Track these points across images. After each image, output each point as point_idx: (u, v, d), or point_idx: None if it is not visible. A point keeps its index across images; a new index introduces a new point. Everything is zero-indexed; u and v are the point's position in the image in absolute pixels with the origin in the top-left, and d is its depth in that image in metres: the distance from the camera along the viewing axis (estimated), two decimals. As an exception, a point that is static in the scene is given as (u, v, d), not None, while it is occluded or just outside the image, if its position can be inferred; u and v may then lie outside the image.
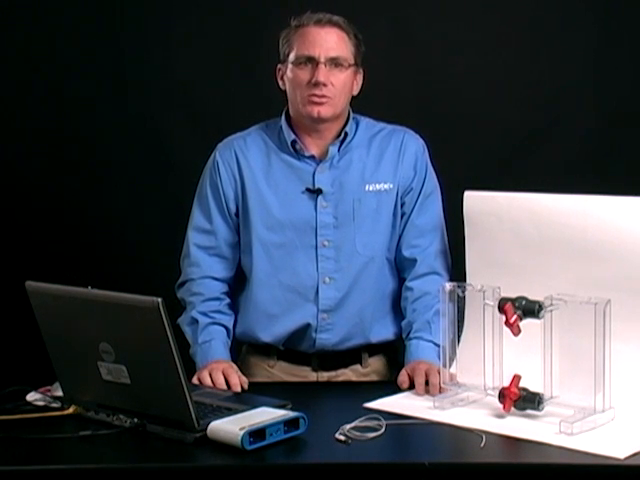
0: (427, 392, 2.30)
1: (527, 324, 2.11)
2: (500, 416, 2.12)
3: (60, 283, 2.11)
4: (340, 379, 2.58)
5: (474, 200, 2.40)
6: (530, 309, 2.10)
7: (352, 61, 2.51)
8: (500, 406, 2.12)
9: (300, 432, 1.98)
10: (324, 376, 2.57)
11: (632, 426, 2.04)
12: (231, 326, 2.57)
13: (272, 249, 2.53)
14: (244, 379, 2.35)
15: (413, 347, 2.48)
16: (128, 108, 3.61)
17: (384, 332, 2.58)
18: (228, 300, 2.59)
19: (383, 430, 2.01)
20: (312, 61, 2.46)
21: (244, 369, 2.61)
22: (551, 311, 2.09)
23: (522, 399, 2.10)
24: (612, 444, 1.93)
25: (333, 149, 2.53)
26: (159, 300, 1.92)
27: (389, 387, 2.34)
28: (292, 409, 2.05)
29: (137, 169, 3.64)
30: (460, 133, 3.60)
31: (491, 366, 2.20)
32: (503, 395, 2.12)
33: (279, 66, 2.56)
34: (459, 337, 2.28)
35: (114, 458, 1.96)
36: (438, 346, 2.38)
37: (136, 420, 2.03)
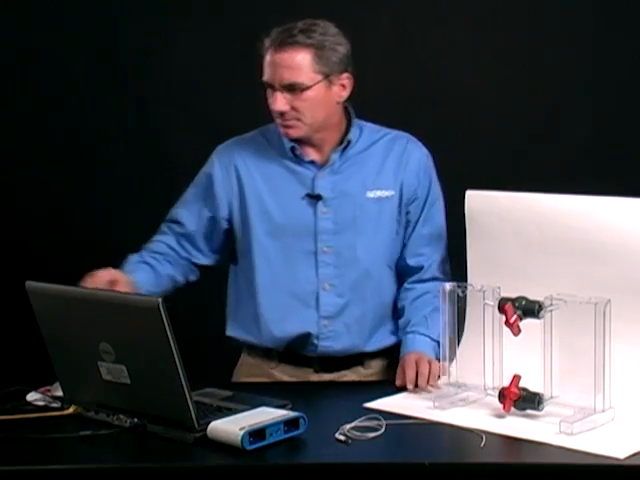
0: (417, 387, 2.30)
1: (527, 324, 2.10)
2: (500, 416, 2.12)
3: (60, 283, 2.11)
4: (341, 380, 2.57)
5: (476, 199, 2.40)
6: (530, 309, 2.10)
7: (314, 80, 2.41)
8: (500, 406, 2.12)
9: (300, 432, 1.98)
10: (325, 378, 2.56)
11: (632, 426, 2.04)
12: (160, 269, 2.55)
13: (272, 254, 2.51)
14: (119, 279, 2.35)
15: (409, 340, 2.48)
16: (128, 108, 3.61)
17: (386, 339, 2.57)
18: (168, 261, 2.57)
19: (383, 430, 2.01)
20: (273, 87, 2.43)
21: (244, 369, 2.61)
22: (551, 311, 2.09)
23: (522, 399, 2.10)
24: (612, 444, 1.93)
25: (335, 155, 2.52)
26: (159, 300, 1.92)
27: (389, 387, 2.34)
28: (292, 409, 2.05)
29: (137, 169, 3.64)
30: (460, 133, 3.60)
31: (491, 366, 2.21)
32: (503, 395, 2.12)
33: None
34: (459, 337, 2.28)
35: (114, 458, 1.96)
36: (435, 342, 2.41)
37: (136, 420, 2.03)
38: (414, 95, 3.60)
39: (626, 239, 2.17)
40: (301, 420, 1.98)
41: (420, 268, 2.56)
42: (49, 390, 2.25)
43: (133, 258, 2.55)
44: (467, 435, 2.02)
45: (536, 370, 2.11)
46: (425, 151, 2.62)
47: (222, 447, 1.92)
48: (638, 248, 2.16)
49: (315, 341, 2.52)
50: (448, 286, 2.25)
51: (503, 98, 3.61)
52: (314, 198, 2.50)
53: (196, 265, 2.61)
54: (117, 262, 3.73)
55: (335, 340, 2.52)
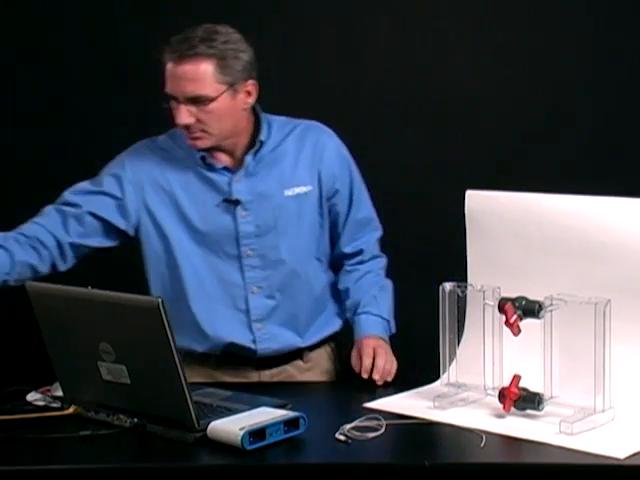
0: (372, 376, 2.35)
1: (527, 324, 2.10)
2: (500, 416, 2.12)
3: (60, 283, 2.11)
4: (282, 376, 2.56)
5: (476, 200, 2.40)
6: (530, 309, 2.10)
7: (218, 91, 2.37)
8: (500, 406, 2.12)
9: (300, 432, 1.98)
10: (266, 374, 2.55)
11: (632, 426, 2.04)
12: (18, 258, 2.40)
13: (197, 262, 2.49)
14: None
15: (362, 322, 2.52)
16: (128, 108, 3.61)
17: (323, 330, 2.59)
18: (38, 249, 2.44)
19: (383, 430, 2.01)
20: (176, 99, 2.39)
21: (188, 371, 2.59)
22: (551, 311, 2.09)
23: (522, 399, 2.10)
24: (612, 444, 1.93)
25: (248, 158, 2.48)
26: (159, 300, 1.92)
27: (389, 387, 2.34)
28: (292, 409, 2.04)
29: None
30: (460, 133, 3.60)
31: (491, 366, 2.21)
32: (503, 395, 2.12)
33: None
34: (459, 337, 2.28)
35: (114, 458, 1.96)
36: (386, 320, 2.51)
37: (136, 420, 2.03)
38: (414, 95, 3.60)
39: (626, 239, 2.17)
40: (301, 420, 1.98)
41: (359, 252, 2.60)
42: (49, 390, 2.25)
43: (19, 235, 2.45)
44: (467, 435, 2.02)
45: (536, 370, 2.11)
46: (338, 141, 2.59)
47: (222, 447, 1.92)
48: (638, 248, 2.16)
49: (252, 346, 2.51)
50: (448, 286, 2.25)
51: (503, 98, 3.60)
52: (232, 203, 2.47)
53: (66, 254, 2.49)
54: (116, 262, 3.73)
55: (272, 342, 2.52)
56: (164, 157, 2.52)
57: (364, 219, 2.61)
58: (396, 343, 2.70)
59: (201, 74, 2.36)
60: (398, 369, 2.47)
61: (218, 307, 2.50)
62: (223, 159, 2.49)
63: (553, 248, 2.26)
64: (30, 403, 2.21)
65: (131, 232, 2.52)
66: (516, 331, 2.11)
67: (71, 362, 2.14)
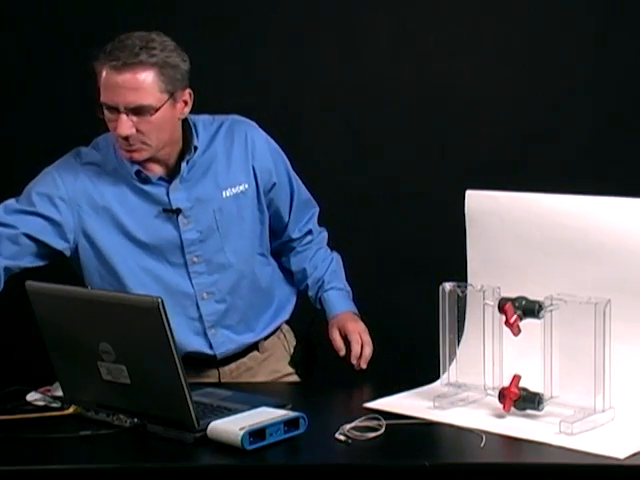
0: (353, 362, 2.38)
1: (527, 324, 2.10)
2: (500, 416, 2.12)
3: (60, 283, 2.11)
4: (242, 370, 2.56)
5: (476, 199, 2.40)
6: (530, 309, 2.10)
7: (161, 101, 2.32)
8: (500, 406, 2.12)
9: (300, 432, 1.98)
10: (225, 370, 2.55)
11: (632, 426, 2.04)
12: None
13: (143, 276, 2.45)
14: None
15: (333, 298, 2.56)
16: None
17: (275, 321, 2.60)
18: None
19: (383, 430, 2.01)
20: (115, 109, 2.32)
21: None
22: (551, 311, 2.08)
23: (522, 399, 2.10)
24: (612, 444, 1.93)
25: (184, 165, 2.43)
26: (159, 300, 1.92)
27: (389, 387, 2.34)
28: (292, 409, 2.04)
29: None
30: (460, 133, 3.60)
31: (491, 366, 2.20)
32: (503, 395, 2.12)
33: None
34: (459, 337, 2.28)
35: (114, 458, 1.96)
36: (350, 292, 2.61)
37: (136, 420, 2.03)
38: (414, 95, 3.60)
39: (626, 239, 2.17)
40: (301, 420, 1.98)
41: (309, 232, 2.64)
42: (49, 390, 2.25)
43: None
44: (467, 435, 2.02)
45: (536, 370, 2.11)
46: (263, 132, 2.55)
47: (222, 447, 1.92)
48: (638, 248, 2.16)
49: (210, 351, 2.50)
50: (448, 286, 2.25)
51: (503, 98, 3.60)
52: (173, 212, 2.43)
53: None
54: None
55: (229, 344, 2.52)
56: (95, 172, 2.44)
57: (305, 202, 2.64)
58: (396, 343, 2.70)
59: (144, 83, 2.29)
60: (398, 369, 2.48)
61: (171, 319, 2.47)
62: (157, 169, 2.43)
63: (553, 248, 2.26)
64: (30, 403, 2.21)
65: (67, 253, 2.44)
66: (516, 331, 2.11)
67: (71, 362, 2.14)
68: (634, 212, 2.18)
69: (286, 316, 2.65)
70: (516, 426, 2.05)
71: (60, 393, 2.19)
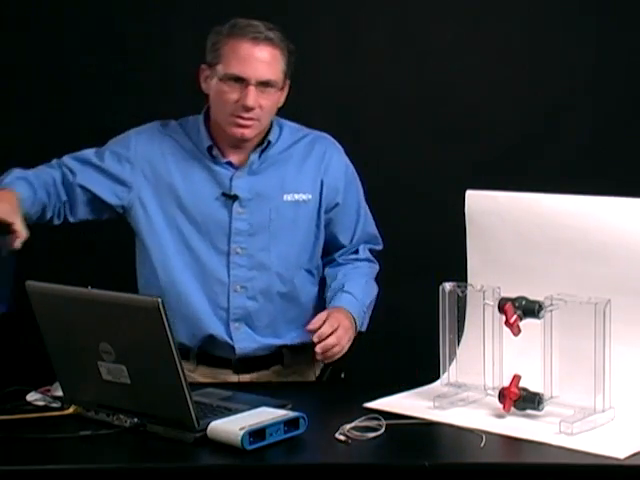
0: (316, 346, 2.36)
1: (527, 324, 2.11)
2: (500, 416, 2.12)
3: (60, 283, 2.11)
4: (262, 381, 2.55)
5: (476, 199, 2.40)
6: (530, 309, 2.10)
7: (282, 81, 2.43)
8: (500, 406, 2.12)
9: (300, 432, 1.98)
10: (246, 378, 2.54)
11: (632, 426, 2.04)
12: (39, 194, 2.42)
13: (186, 252, 2.49)
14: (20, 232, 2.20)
15: (343, 298, 2.51)
16: (128, 108, 3.60)
17: (303, 336, 2.53)
18: (47, 192, 2.46)
19: (383, 430, 2.01)
20: (241, 81, 2.37)
21: None
22: (551, 311, 2.09)
23: (522, 399, 2.10)
24: (612, 444, 1.93)
25: (254, 156, 2.49)
26: (159, 300, 1.92)
27: (389, 387, 2.34)
28: (292, 409, 2.04)
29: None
30: (460, 133, 3.60)
31: (491, 366, 2.21)
32: (503, 395, 2.12)
33: (203, 66, 2.49)
34: (459, 337, 2.28)
35: (114, 458, 1.96)
36: (363, 312, 2.53)
37: (136, 420, 2.03)
38: (414, 95, 3.60)
39: (626, 239, 2.17)
40: (301, 420, 1.98)
41: (355, 252, 2.63)
42: (49, 390, 2.25)
43: (17, 172, 2.45)
44: (467, 435, 2.02)
45: (536, 370, 2.11)
46: (346, 158, 2.60)
47: (222, 447, 1.92)
48: (638, 248, 2.16)
49: (230, 342, 2.50)
50: (448, 286, 2.25)
51: (503, 98, 3.60)
52: (230, 198, 2.47)
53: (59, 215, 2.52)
54: (116, 261, 3.73)
55: (250, 341, 2.51)
56: (170, 145, 2.52)
57: (369, 235, 2.64)
58: (396, 343, 2.70)
59: (275, 59, 2.40)
60: (398, 369, 2.48)
61: (199, 300, 2.49)
62: (229, 154, 2.49)
63: (553, 248, 2.26)
64: (30, 403, 2.21)
65: (120, 210, 2.52)
66: (516, 331, 2.11)
67: (71, 362, 2.14)
68: (634, 212, 2.18)
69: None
70: (516, 426, 2.06)
71: (60, 393, 2.19)
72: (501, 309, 2.13)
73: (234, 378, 2.54)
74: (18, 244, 2.22)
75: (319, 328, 2.37)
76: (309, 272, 2.57)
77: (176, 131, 2.54)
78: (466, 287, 2.26)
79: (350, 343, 2.44)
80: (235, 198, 2.46)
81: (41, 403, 2.20)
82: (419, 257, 3.47)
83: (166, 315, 1.92)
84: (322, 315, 2.41)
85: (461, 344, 2.29)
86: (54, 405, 2.18)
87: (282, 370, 2.58)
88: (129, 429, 2.02)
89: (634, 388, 2.14)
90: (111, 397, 2.08)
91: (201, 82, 2.49)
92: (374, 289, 2.62)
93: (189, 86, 3.60)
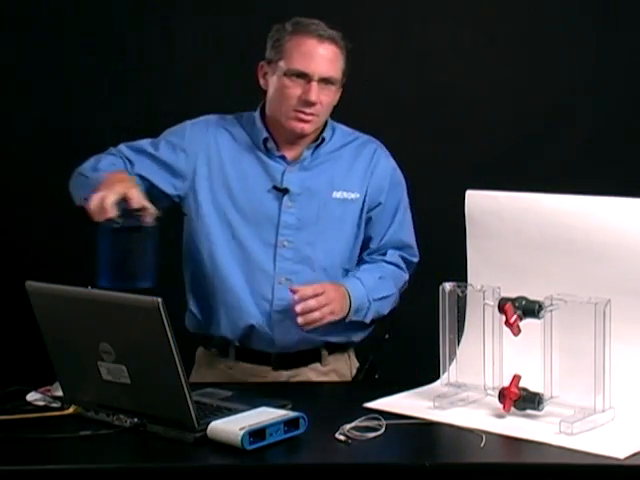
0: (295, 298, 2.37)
1: (527, 324, 2.11)
2: (500, 416, 2.12)
3: (60, 283, 2.11)
4: (299, 379, 2.56)
5: (476, 199, 2.40)
6: (530, 309, 2.10)
7: (340, 80, 2.48)
8: (500, 406, 2.12)
9: (300, 432, 1.98)
10: (283, 375, 2.55)
11: (632, 426, 2.04)
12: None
13: (233, 242, 2.51)
14: (145, 204, 2.26)
15: (347, 280, 2.50)
16: (128, 108, 3.61)
17: (342, 335, 2.57)
18: None
19: (383, 430, 2.01)
20: (304, 77, 2.43)
21: (201, 371, 2.60)
22: (551, 311, 2.09)
23: (522, 399, 2.10)
24: (612, 444, 1.93)
25: (307, 152, 2.53)
26: (159, 300, 1.92)
27: (389, 387, 2.34)
28: (292, 409, 2.04)
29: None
30: (460, 133, 3.60)
31: (491, 366, 2.21)
32: (503, 395, 2.12)
33: (262, 63, 2.53)
34: (459, 337, 2.28)
35: (114, 458, 1.96)
36: (368, 302, 2.49)
37: (136, 420, 2.03)
38: (414, 95, 3.60)
39: (626, 239, 2.17)
40: (301, 420, 1.98)
41: (383, 254, 2.60)
42: (49, 390, 2.25)
43: (108, 158, 2.52)
44: (467, 435, 2.02)
45: (536, 370, 2.11)
46: (393, 163, 2.64)
47: (222, 447, 1.92)
48: (638, 248, 2.16)
49: (270, 333, 2.51)
50: (448, 286, 2.25)
51: (503, 98, 3.60)
52: (281, 191, 2.50)
53: None
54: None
55: (291, 334, 2.51)
56: (225, 135, 2.56)
57: (401, 243, 2.62)
58: (396, 343, 2.70)
59: (337, 57, 2.46)
60: (398, 369, 2.47)
61: (243, 289, 2.51)
62: (284, 149, 2.53)
63: (553, 248, 2.26)
64: (30, 403, 2.20)
65: (176, 200, 2.56)
66: (516, 331, 2.11)
67: (71, 362, 2.14)
68: (634, 212, 2.18)
69: (357, 339, 2.62)
70: (516, 426, 2.05)
71: (60, 393, 2.19)
72: (501, 309, 2.13)
73: (272, 376, 2.55)
74: (153, 220, 2.28)
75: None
76: (346, 273, 2.58)
77: (231, 123, 2.59)
78: (466, 287, 2.26)
79: (334, 317, 2.42)
80: (286, 191, 2.51)
81: (41, 403, 2.20)
82: (419, 257, 3.47)
83: (166, 315, 1.91)
84: (315, 286, 2.42)
85: (461, 344, 2.29)
86: (54, 405, 2.18)
87: (320, 368, 2.59)
88: (129, 429, 2.02)
89: (634, 388, 2.14)
90: (111, 397, 2.08)
91: (259, 78, 2.54)
92: (390, 289, 2.59)
93: (189, 86, 3.63)
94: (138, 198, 2.26)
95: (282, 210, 2.50)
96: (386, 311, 2.58)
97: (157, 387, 2.00)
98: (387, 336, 2.61)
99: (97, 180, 2.36)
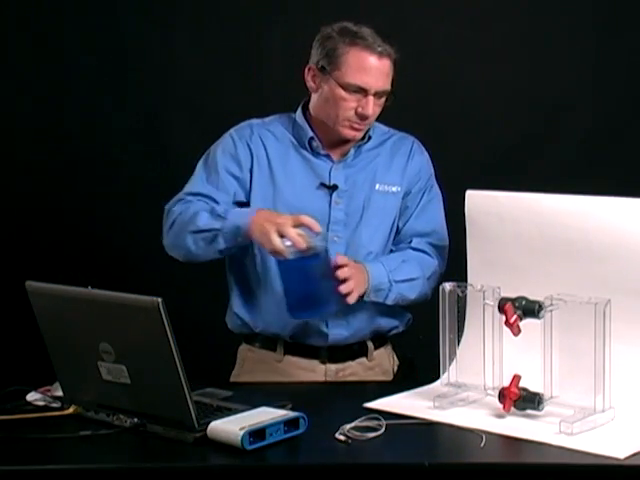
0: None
1: (527, 324, 2.11)
2: (500, 416, 2.12)
3: (60, 283, 2.11)
4: (347, 372, 2.58)
5: (476, 200, 2.40)
6: (530, 309, 2.10)
7: (389, 91, 2.53)
8: (500, 406, 2.12)
9: (300, 432, 1.98)
10: (332, 369, 2.57)
11: (632, 426, 2.04)
12: None
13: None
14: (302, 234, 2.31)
15: (368, 262, 2.51)
16: (128, 107, 3.61)
17: (392, 322, 2.61)
18: None
19: (383, 430, 2.01)
20: (362, 91, 2.47)
21: (247, 367, 2.60)
22: (551, 311, 2.09)
23: (522, 399, 2.10)
24: (612, 444, 1.93)
25: (352, 150, 2.58)
26: (159, 300, 1.92)
27: (389, 387, 2.34)
28: (292, 409, 2.04)
29: (137, 168, 3.64)
30: (460, 133, 3.60)
31: (491, 366, 2.21)
32: (503, 395, 2.12)
33: (311, 66, 2.54)
34: (459, 337, 2.28)
35: (114, 458, 1.96)
36: (389, 283, 2.49)
37: (136, 420, 2.03)
38: (414, 95, 3.60)
39: (626, 239, 2.17)
40: (301, 420, 1.98)
41: (408, 242, 2.61)
42: (49, 390, 2.25)
43: (203, 206, 2.50)
44: (467, 435, 2.02)
45: (536, 370, 2.11)
46: (427, 156, 2.69)
47: (222, 447, 1.92)
48: (638, 248, 2.16)
49: (325, 329, 2.53)
50: (448, 286, 2.26)
51: (503, 98, 3.60)
52: (330, 189, 2.55)
53: None
54: (116, 261, 3.74)
55: (345, 327, 2.54)
56: (269, 136, 2.58)
57: (425, 229, 2.62)
58: (396, 343, 2.70)
59: (391, 71, 2.52)
60: (398, 369, 2.47)
61: None
62: (328, 149, 2.57)
63: (553, 248, 2.26)
64: (30, 403, 2.21)
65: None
66: (516, 331, 2.11)
67: (71, 362, 2.14)
68: (634, 212, 2.18)
69: (398, 328, 2.64)
70: (516, 426, 2.05)
71: (60, 393, 2.20)
72: (501, 309, 2.13)
73: (320, 369, 2.57)
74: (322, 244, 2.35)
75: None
76: None
77: (273, 124, 2.61)
78: (466, 287, 2.26)
79: (358, 293, 2.43)
80: (335, 188, 2.55)
81: (41, 403, 2.20)
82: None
83: (166, 315, 1.92)
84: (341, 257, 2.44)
85: (461, 344, 2.29)
86: (54, 405, 2.18)
87: (366, 362, 2.61)
88: (129, 429, 2.02)
89: (634, 388, 2.13)
90: (111, 397, 2.08)
91: (307, 79, 2.56)
92: (414, 272, 2.57)
93: (189, 86, 3.64)
94: (312, 223, 2.33)
95: (332, 207, 2.54)
96: (412, 296, 2.57)
97: (157, 387, 2.00)
98: (421, 337, 2.61)
99: (234, 225, 2.41)
